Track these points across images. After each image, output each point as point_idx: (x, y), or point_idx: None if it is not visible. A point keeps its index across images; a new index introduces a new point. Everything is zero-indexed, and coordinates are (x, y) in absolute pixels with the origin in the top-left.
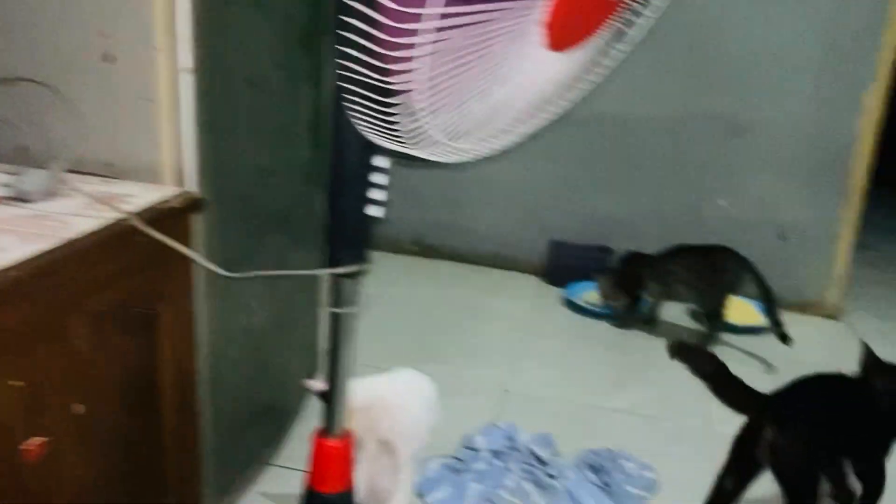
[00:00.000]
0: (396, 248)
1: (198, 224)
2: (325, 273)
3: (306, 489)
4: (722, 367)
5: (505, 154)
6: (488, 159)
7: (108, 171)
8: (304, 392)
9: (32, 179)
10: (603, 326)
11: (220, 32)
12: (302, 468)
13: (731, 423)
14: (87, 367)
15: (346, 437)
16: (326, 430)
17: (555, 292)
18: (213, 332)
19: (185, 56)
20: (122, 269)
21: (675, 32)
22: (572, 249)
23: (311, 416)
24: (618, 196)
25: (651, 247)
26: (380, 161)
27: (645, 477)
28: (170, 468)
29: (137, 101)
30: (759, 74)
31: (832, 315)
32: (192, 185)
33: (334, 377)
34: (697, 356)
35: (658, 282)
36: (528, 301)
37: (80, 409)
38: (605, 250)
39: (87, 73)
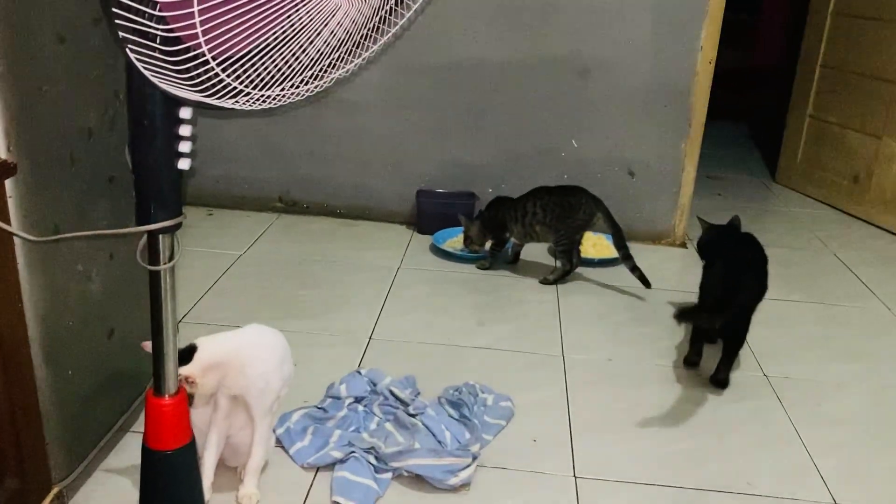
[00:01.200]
0: (262, 205)
1: (11, 189)
2: (137, 231)
3: (144, 448)
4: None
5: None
6: (350, 111)
7: None
8: None
9: None
10: (469, 270)
11: None
12: None
13: (583, 350)
14: None
15: (177, 395)
16: (157, 389)
17: (424, 240)
18: (43, 301)
19: None
20: None
21: None
22: (439, 197)
23: None
24: (478, 143)
25: (513, 190)
26: (183, 112)
27: (502, 407)
28: (7, 445)
29: None
30: (599, 14)
31: (682, 244)
32: (1, 148)
33: (158, 335)
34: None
35: (519, 223)
36: (397, 250)
37: None
38: (471, 196)
39: None
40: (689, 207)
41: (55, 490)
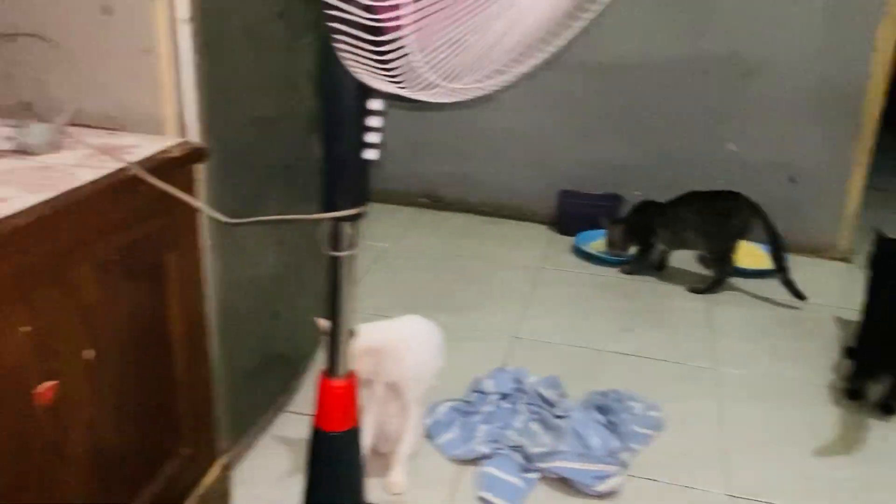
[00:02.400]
0: (407, 200)
1: (200, 174)
2: (323, 217)
3: (313, 428)
4: None
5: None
6: (497, 109)
7: (111, 124)
8: (317, 339)
9: (35, 133)
10: (612, 273)
11: None
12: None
13: (736, 364)
14: (96, 313)
15: (350, 378)
16: (330, 371)
17: (565, 241)
18: (221, 282)
19: (183, 6)
20: (125, 218)
21: None
22: (582, 198)
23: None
24: (627, 143)
25: (661, 194)
26: (374, 104)
27: (651, 416)
28: (182, 415)
29: (137, 53)
30: (767, 12)
31: (844, 258)
32: (193, 135)
33: (335, 319)
34: None
35: (668, 229)
36: (538, 250)
37: (90, 354)
38: (616, 198)
39: (86, 26)
40: (854, 219)
41: (222, 460)
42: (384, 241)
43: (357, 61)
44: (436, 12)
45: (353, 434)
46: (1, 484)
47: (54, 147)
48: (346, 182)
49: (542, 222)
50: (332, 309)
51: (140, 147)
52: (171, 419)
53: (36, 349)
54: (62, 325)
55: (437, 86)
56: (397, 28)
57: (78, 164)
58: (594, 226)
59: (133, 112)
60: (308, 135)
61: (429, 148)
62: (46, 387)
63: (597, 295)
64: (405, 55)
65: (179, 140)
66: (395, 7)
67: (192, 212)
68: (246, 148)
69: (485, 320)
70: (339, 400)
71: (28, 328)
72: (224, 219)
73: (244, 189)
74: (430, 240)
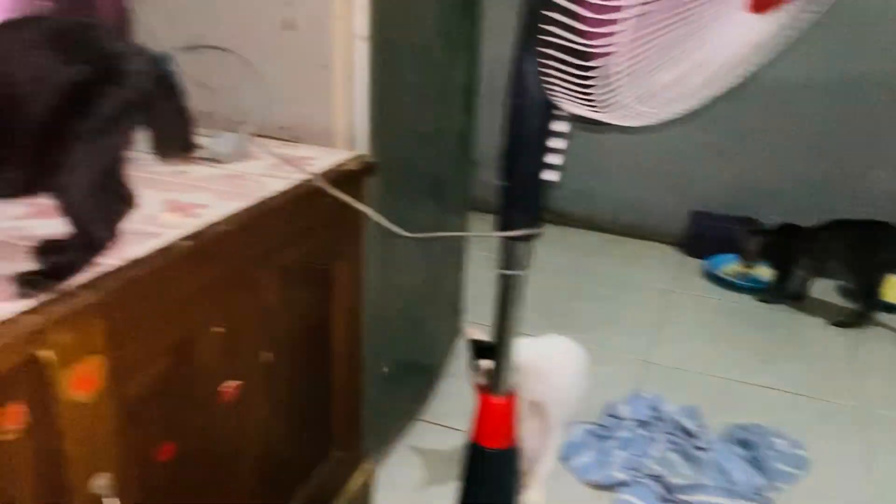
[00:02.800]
0: None
1: (368, 187)
2: (499, 236)
3: (470, 443)
4: None
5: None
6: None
7: (283, 135)
8: (451, 350)
9: (225, 142)
10: (746, 300)
11: (392, 2)
12: (448, 424)
13: (887, 405)
14: (274, 318)
15: (511, 395)
16: (492, 388)
17: (695, 264)
18: (376, 290)
19: (361, 23)
20: (306, 228)
21: None
22: (715, 220)
23: (456, 376)
24: (766, 165)
25: (799, 220)
26: (559, 125)
27: (796, 455)
28: (336, 418)
29: (314, 68)
30: None
31: None
32: (362, 148)
33: (501, 336)
34: None
35: (811, 257)
36: (667, 271)
37: (268, 356)
38: (751, 222)
39: (269, 41)
40: None
41: (366, 465)
42: None
43: (559, 85)
44: (649, 40)
45: (511, 453)
46: (186, 475)
47: (242, 156)
48: (523, 202)
49: (670, 243)
50: (499, 326)
51: (317, 159)
52: (326, 422)
53: (225, 349)
54: (246, 328)
55: (630, 107)
56: (608, 55)
57: (264, 174)
58: (726, 249)
59: (306, 124)
60: (458, 150)
61: None
62: (231, 385)
63: (731, 322)
64: (610, 81)
65: (353, 153)
66: (610, 34)
67: (359, 223)
68: (405, 162)
69: (614, 342)
70: (500, 417)
71: (221, 329)
72: (403, 233)
73: (402, 202)
74: (554, 256)
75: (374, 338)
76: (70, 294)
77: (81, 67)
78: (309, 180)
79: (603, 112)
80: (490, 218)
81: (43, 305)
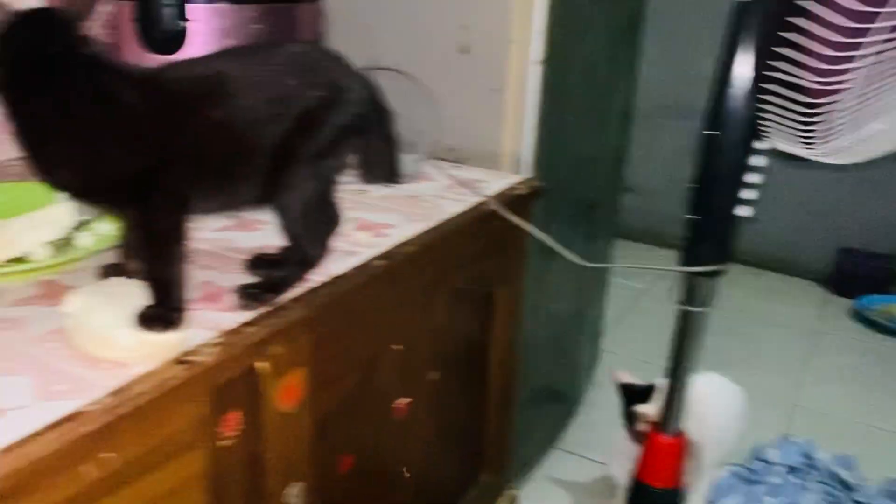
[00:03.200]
0: (662, 242)
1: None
2: (685, 271)
3: (635, 480)
4: None
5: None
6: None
7: (451, 156)
8: (589, 381)
9: (404, 163)
10: None
11: (566, 24)
12: (586, 455)
13: None
14: (444, 339)
15: (681, 436)
16: (662, 426)
17: (842, 303)
18: (528, 316)
19: (538, 48)
20: (478, 251)
21: None
22: (866, 258)
23: (594, 405)
24: None
25: None
26: (758, 159)
27: None
28: (488, 441)
29: (486, 91)
30: None
31: None
32: (526, 172)
33: (676, 374)
34: None
35: None
36: (811, 309)
37: (435, 376)
38: None
39: (444, 64)
40: None
41: (509, 491)
42: (639, 282)
43: (776, 122)
44: (880, 82)
45: (676, 493)
46: (357, 489)
47: (417, 177)
48: (712, 237)
49: (813, 279)
50: (674, 363)
51: (488, 182)
52: (479, 444)
53: (400, 367)
54: (419, 347)
55: (846, 149)
56: (837, 94)
57: (439, 195)
58: (878, 289)
59: (474, 146)
60: (612, 175)
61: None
62: (403, 402)
63: (885, 368)
64: (834, 121)
65: (521, 177)
66: (843, 73)
67: (523, 249)
68: (564, 186)
69: (757, 382)
70: (668, 457)
71: (399, 347)
72: (581, 261)
73: (558, 227)
74: None
75: (525, 363)
76: (283, 308)
77: (316, 93)
78: (484, 203)
79: (818, 151)
80: (634, 246)
81: (261, 318)
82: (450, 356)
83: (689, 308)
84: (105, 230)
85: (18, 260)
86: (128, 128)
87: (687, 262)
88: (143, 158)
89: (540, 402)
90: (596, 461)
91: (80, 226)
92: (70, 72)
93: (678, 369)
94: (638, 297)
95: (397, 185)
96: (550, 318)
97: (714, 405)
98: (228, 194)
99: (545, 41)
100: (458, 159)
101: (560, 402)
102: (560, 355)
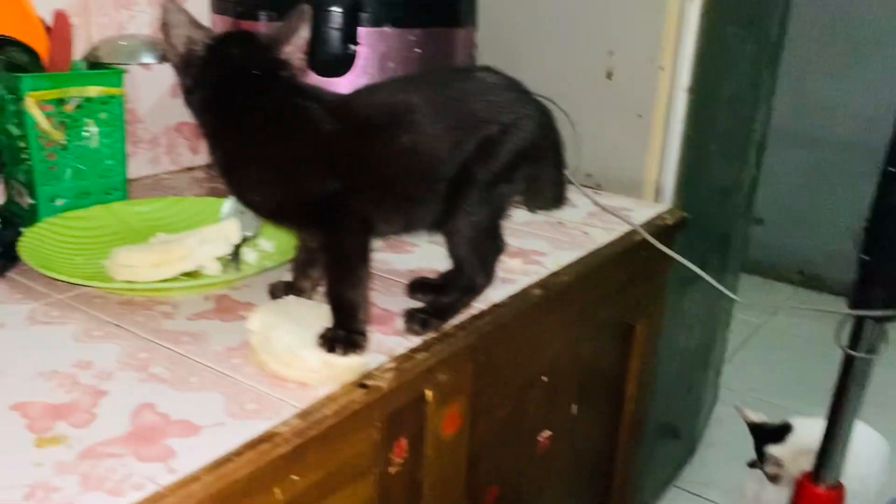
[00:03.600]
0: (777, 275)
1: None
2: (856, 314)
3: None
4: None
5: None
6: None
7: (590, 182)
8: (711, 417)
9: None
10: None
11: (715, 52)
12: (704, 495)
13: None
14: (586, 372)
15: (837, 489)
16: (816, 476)
17: None
18: (662, 348)
19: (685, 75)
20: (625, 282)
21: None
22: None
23: (712, 443)
24: None
25: None
26: None
27: None
28: (616, 477)
29: (630, 117)
30: None
31: None
32: (666, 200)
33: (836, 422)
34: None
35: None
36: None
37: (574, 409)
38: None
39: (588, 89)
40: None
41: None
42: (753, 317)
43: None
44: None
45: None
46: None
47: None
48: (886, 279)
49: None
50: (836, 411)
51: (633, 210)
52: (607, 479)
53: (545, 399)
54: (564, 379)
55: None
56: None
57: (584, 223)
58: None
59: (614, 173)
60: (743, 205)
61: (813, 220)
62: (545, 435)
63: None
64: None
65: (665, 206)
66: None
67: (664, 281)
68: (700, 217)
69: (880, 428)
70: None
71: (546, 378)
72: (737, 299)
73: (693, 258)
74: (804, 322)
75: (653, 396)
76: (449, 335)
77: (497, 120)
78: (633, 232)
79: None
80: (747, 278)
81: (429, 344)
82: (588, 389)
83: (856, 354)
84: (268, 247)
85: (190, 274)
86: (321, 151)
87: (856, 305)
88: (334, 181)
89: (662, 438)
90: (713, 501)
91: (244, 241)
92: (268, 94)
93: (839, 417)
94: (753, 331)
95: (549, 211)
96: (679, 352)
97: (858, 454)
98: (407, 218)
99: (694, 67)
100: (596, 185)
101: (681, 439)
102: (684, 390)
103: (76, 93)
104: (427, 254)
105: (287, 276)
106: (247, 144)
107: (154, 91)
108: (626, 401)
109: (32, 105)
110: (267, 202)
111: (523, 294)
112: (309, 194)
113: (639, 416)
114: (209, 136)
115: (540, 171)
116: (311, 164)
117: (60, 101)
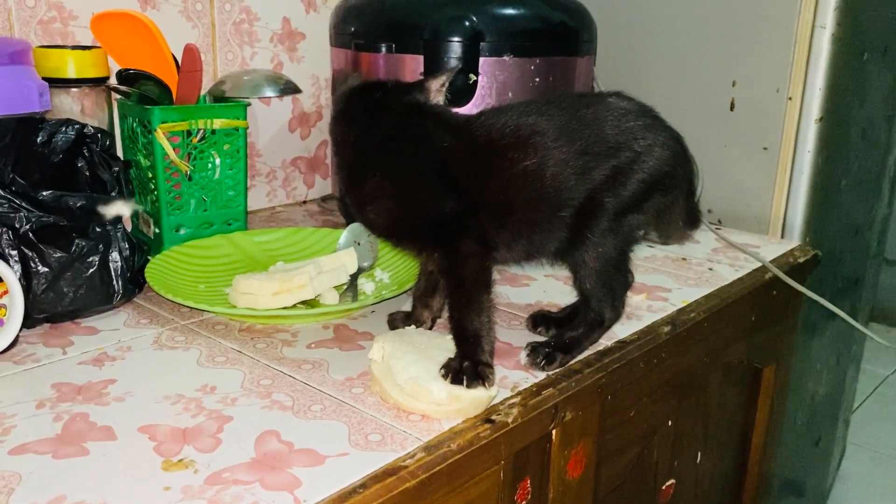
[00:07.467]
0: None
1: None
2: None
3: None
4: None
5: None
6: None
7: (710, 217)
8: (837, 474)
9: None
10: None
11: (847, 81)
12: None
13: None
14: (711, 418)
15: None
16: None
17: None
18: (790, 396)
19: (815, 105)
20: (754, 323)
21: None
22: None
23: (841, 501)
24: None
25: None
26: None
27: None
28: None
29: (754, 150)
30: None
31: None
32: (793, 238)
33: None
34: None
35: None
36: None
37: (699, 458)
38: None
39: (711, 121)
40: None
41: None
42: (884, 368)
43: None
44: None
45: None
46: None
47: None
48: None
49: None
50: None
51: (759, 247)
52: None
53: (671, 445)
54: (690, 426)
55: None
56: None
57: (709, 259)
58: None
59: (736, 207)
60: (876, 245)
61: None
62: (668, 485)
63: None
64: None
65: (796, 243)
66: None
67: (795, 323)
68: (830, 257)
69: None
70: None
71: (671, 424)
72: (885, 343)
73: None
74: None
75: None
76: (576, 371)
77: (628, 146)
78: (761, 270)
79: None
80: (881, 328)
81: (555, 380)
82: (713, 437)
83: None
84: (385, 278)
85: (309, 303)
86: (441, 168)
87: None
88: (454, 200)
89: (787, 494)
90: None
91: (361, 272)
92: (393, 110)
93: None
94: (880, 383)
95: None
96: (808, 400)
97: None
98: (529, 245)
99: (823, 98)
100: (717, 222)
101: (805, 497)
102: (811, 443)
103: (203, 125)
104: (545, 287)
105: (406, 307)
106: (369, 158)
107: (272, 126)
108: (752, 450)
109: (162, 137)
110: (385, 218)
111: (651, 330)
112: (428, 211)
113: (765, 468)
114: (336, 152)
115: (672, 201)
116: (431, 181)
117: (188, 134)
